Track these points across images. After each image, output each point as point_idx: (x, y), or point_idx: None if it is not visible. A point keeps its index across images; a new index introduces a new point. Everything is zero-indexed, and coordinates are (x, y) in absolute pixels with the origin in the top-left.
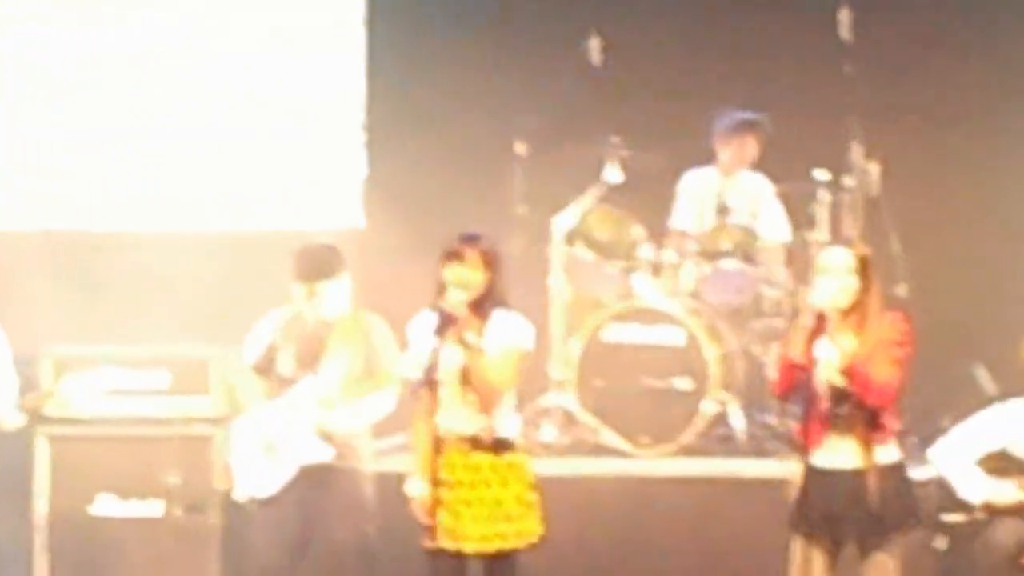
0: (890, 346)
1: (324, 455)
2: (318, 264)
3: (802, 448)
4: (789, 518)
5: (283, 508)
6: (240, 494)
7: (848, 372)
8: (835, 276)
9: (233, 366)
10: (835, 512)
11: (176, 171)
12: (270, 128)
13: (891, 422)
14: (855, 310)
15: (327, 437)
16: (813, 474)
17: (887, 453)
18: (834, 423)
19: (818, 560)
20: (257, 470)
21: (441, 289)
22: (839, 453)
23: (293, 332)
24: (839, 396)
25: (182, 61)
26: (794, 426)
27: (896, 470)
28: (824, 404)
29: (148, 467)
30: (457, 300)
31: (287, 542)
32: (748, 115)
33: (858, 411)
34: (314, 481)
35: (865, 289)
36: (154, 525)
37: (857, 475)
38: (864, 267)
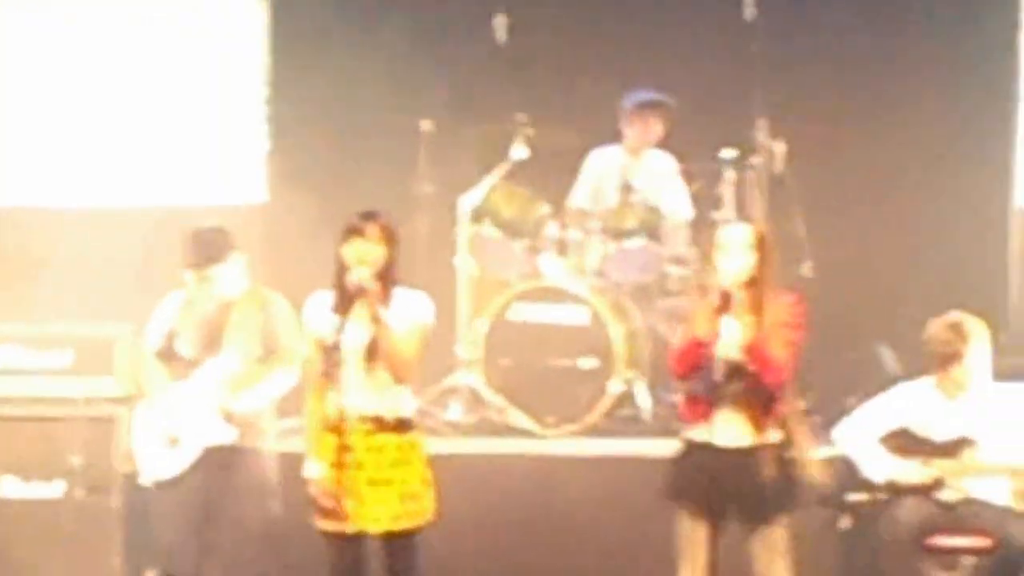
0: (784, 328)
1: (227, 436)
2: (207, 249)
3: (688, 422)
4: (665, 488)
5: (186, 490)
6: (143, 478)
7: (747, 349)
8: (734, 253)
9: (136, 349)
10: (719, 489)
11: (79, 147)
12: (171, 103)
13: (781, 404)
14: (752, 287)
15: (230, 418)
16: (699, 449)
17: (774, 433)
18: (726, 400)
19: (704, 534)
20: (160, 453)
21: (341, 266)
22: (729, 431)
23: (192, 315)
24: (736, 373)
25: (83, 36)
26: (680, 399)
27: (780, 449)
28: (720, 381)
29: (50, 448)
30: (365, 275)
31: (190, 524)
32: (654, 95)
33: (752, 389)
34: (217, 462)
35: (762, 266)
36: (56, 506)
37: (744, 453)
38: (762, 244)
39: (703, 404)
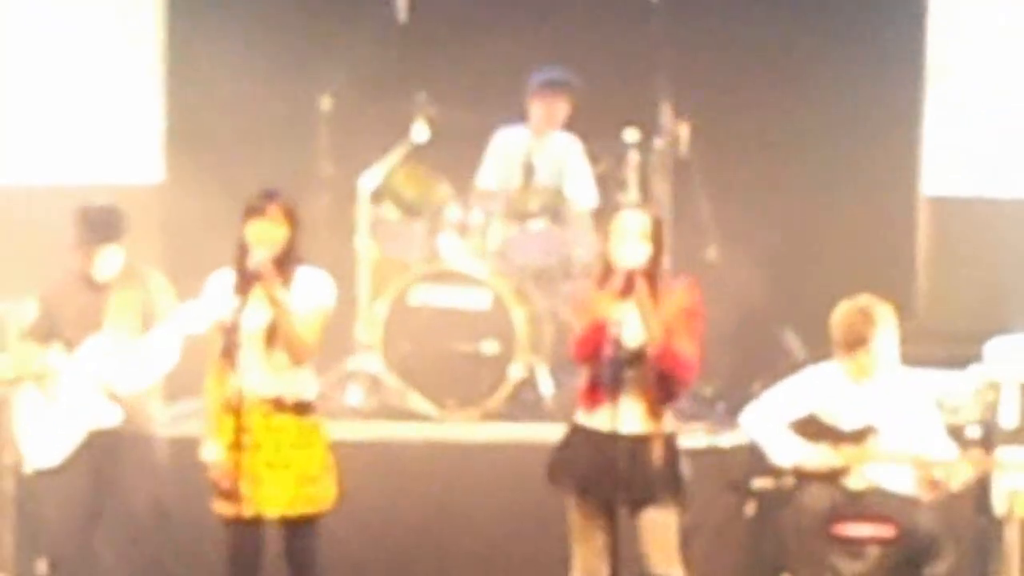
0: (684, 314)
1: (112, 419)
2: (102, 227)
3: (581, 405)
4: (549, 472)
5: (74, 477)
6: (26, 465)
7: (655, 347)
8: (631, 239)
9: (17, 331)
10: (612, 474)
11: None
12: (63, 78)
13: (681, 392)
14: (647, 276)
15: (115, 400)
16: (589, 434)
17: (668, 422)
18: (623, 386)
19: (597, 518)
20: (43, 439)
21: (242, 247)
22: (622, 417)
23: (69, 295)
24: (636, 360)
25: None
26: (576, 383)
27: (672, 439)
28: (619, 367)
29: None
30: (264, 256)
31: (80, 512)
32: (560, 75)
33: (651, 375)
34: (104, 448)
35: (657, 254)
36: None
37: (635, 439)
38: (657, 232)
39: (602, 390)
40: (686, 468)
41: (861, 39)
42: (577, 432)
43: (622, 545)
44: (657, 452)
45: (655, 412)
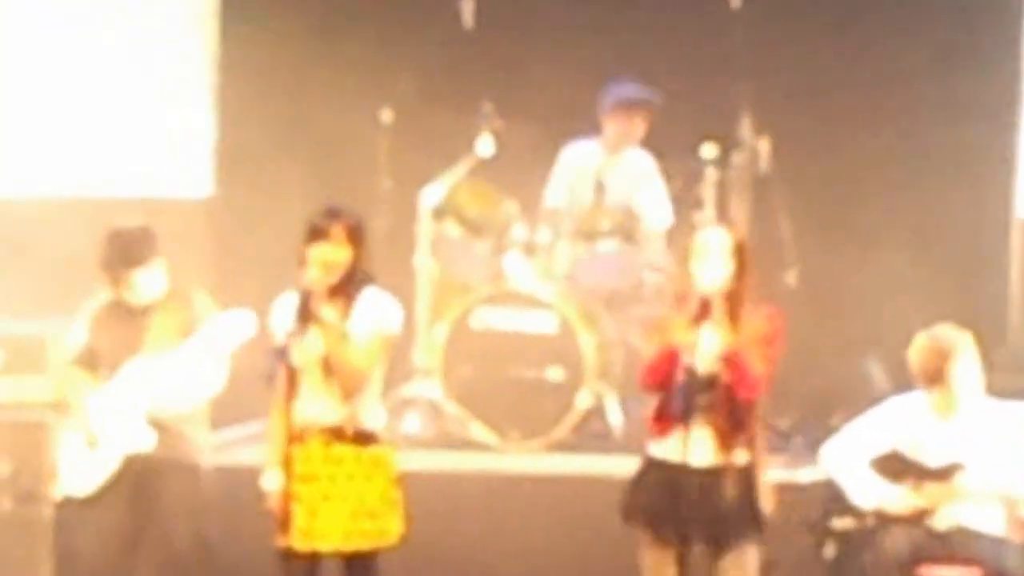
0: (761, 343)
1: (147, 444)
2: (129, 251)
3: (653, 437)
4: (623, 510)
5: (111, 506)
6: (63, 492)
7: (724, 361)
8: (711, 260)
9: (61, 354)
10: (680, 511)
11: (16, 134)
12: (112, 89)
13: (752, 423)
14: (729, 297)
15: (157, 427)
16: (661, 467)
17: (742, 455)
18: (695, 416)
19: (668, 557)
20: (79, 466)
21: (303, 268)
22: (696, 448)
23: (111, 319)
24: (708, 386)
25: (28, 22)
26: (646, 413)
27: (746, 472)
28: (691, 394)
29: None
30: (315, 279)
31: (117, 542)
32: (638, 92)
33: (724, 404)
34: (142, 476)
35: (740, 275)
36: None
37: (709, 473)
38: (740, 252)
39: (672, 419)
40: (767, 503)
41: (955, 53)
42: (649, 466)
43: None
44: (730, 486)
45: (727, 443)
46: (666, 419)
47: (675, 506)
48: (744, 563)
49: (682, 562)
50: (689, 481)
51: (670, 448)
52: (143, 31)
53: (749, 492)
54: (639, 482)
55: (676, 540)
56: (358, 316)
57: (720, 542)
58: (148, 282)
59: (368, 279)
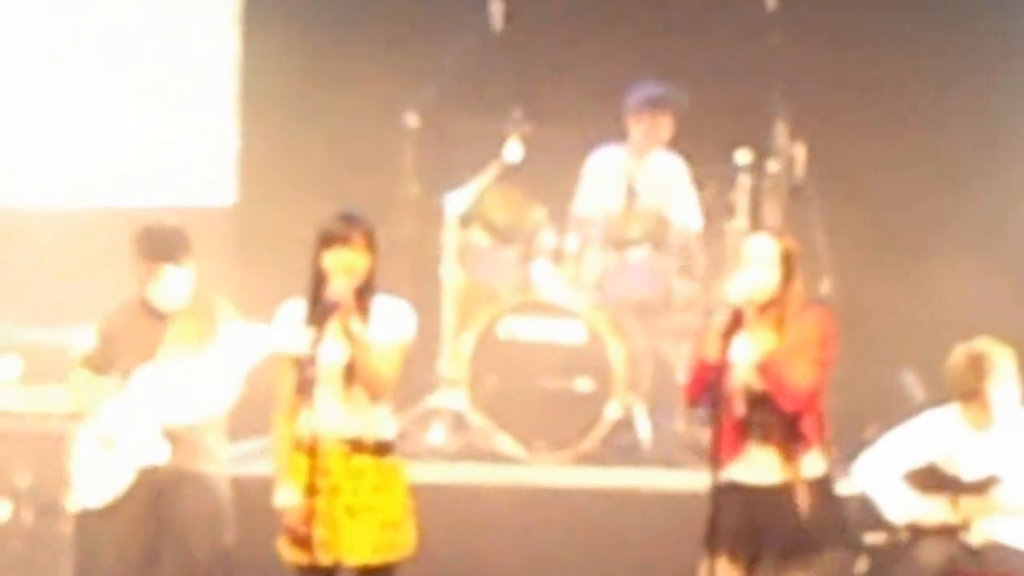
0: (811, 346)
1: (162, 455)
2: (164, 245)
3: (715, 460)
4: (705, 539)
5: (128, 517)
6: (79, 504)
7: (763, 373)
8: (757, 267)
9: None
10: (754, 530)
11: (38, 145)
12: (133, 97)
13: (812, 430)
14: (774, 306)
15: (173, 438)
16: (729, 489)
17: (811, 465)
18: (751, 431)
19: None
20: (95, 477)
21: (318, 275)
22: (758, 465)
23: (130, 324)
24: (756, 400)
25: (48, 31)
26: (706, 435)
27: (821, 484)
28: (740, 410)
29: None
30: (343, 287)
31: (135, 554)
32: (663, 91)
33: (776, 417)
34: (159, 487)
35: (786, 283)
36: (2, 530)
37: (779, 490)
38: (788, 259)
39: (731, 437)
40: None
41: (995, 54)
42: (716, 490)
43: None
44: (802, 500)
45: (789, 456)
46: (725, 439)
47: (744, 528)
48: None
49: None
50: (757, 500)
51: (736, 468)
52: (167, 41)
53: (826, 502)
54: (716, 508)
55: (745, 563)
56: (376, 324)
57: (791, 560)
58: (176, 282)
59: (376, 288)
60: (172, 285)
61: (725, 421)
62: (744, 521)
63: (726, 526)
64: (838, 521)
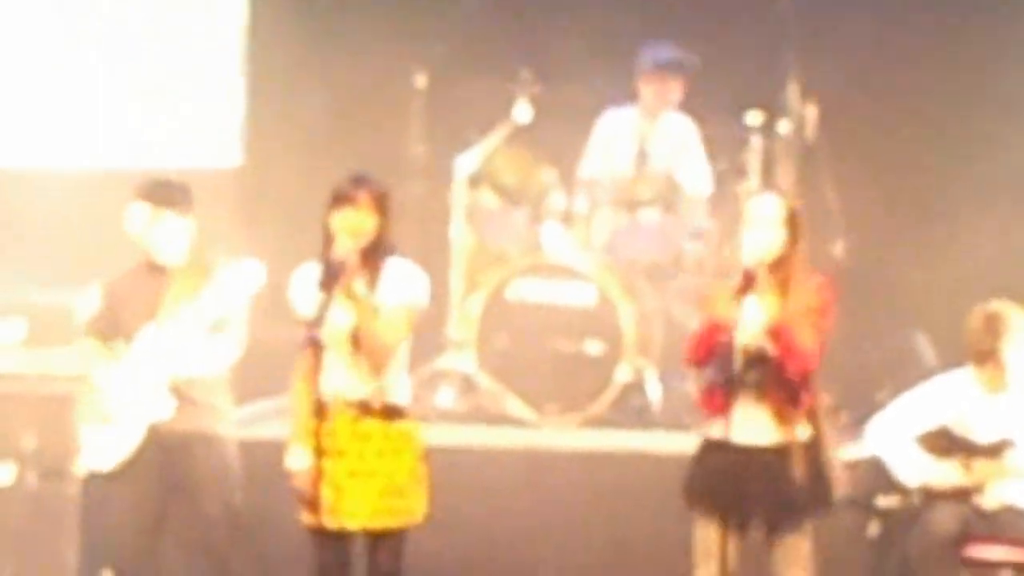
0: (812, 313)
1: (168, 412)
2: (167, 192)
3: (706, 416)
4: (684, 493)
5: (139, 480)
6: (86, 466)
7: (773, 335)
8: (762, 228)
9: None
10: (743, 490)
11: (44, 105)
12: (137, 57)
13: (807, 396)
14: (780, 267)
15: (181, 399)
16: (719, 448)
17: (803, 430)
18: (747, 392)
19: (723, 540)
20: (102, 439)
21: (328, 237)
22: (751, 426)
23: (133, 284)
24: (758, 361)
25: None
26: (697, 393)
27: (811, 448)
28: (740, 370)
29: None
30: (348, 249)
31: (144, 517)
32: (675, 53)
33: (775, 379)
34: (168, 449)
35: (792, 244)
36: (5, 494)
37: (770, 452)
38: (793, 220)
39: (722, 396)
40: (838, 480)
41: (1010, 12)
42: (705, 446)
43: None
44: (795, 463)
45: (785, 419)
46: (717, 398)
47: (733, 488)
48: (797, 550)
49: (735, 545)
50: (745, 461)
51: (723, 427)
52: (174, 3)
53: (815, 468)
54: (700, 465)
55: (733, 523)
56: (385, 288)
57: (779, 525)
58: (176, 232)
59: (392, 249)
60: (172, 234)
61: (722, 380)
62: (730, 481)
63: (707, 482)
64: (825, 487)
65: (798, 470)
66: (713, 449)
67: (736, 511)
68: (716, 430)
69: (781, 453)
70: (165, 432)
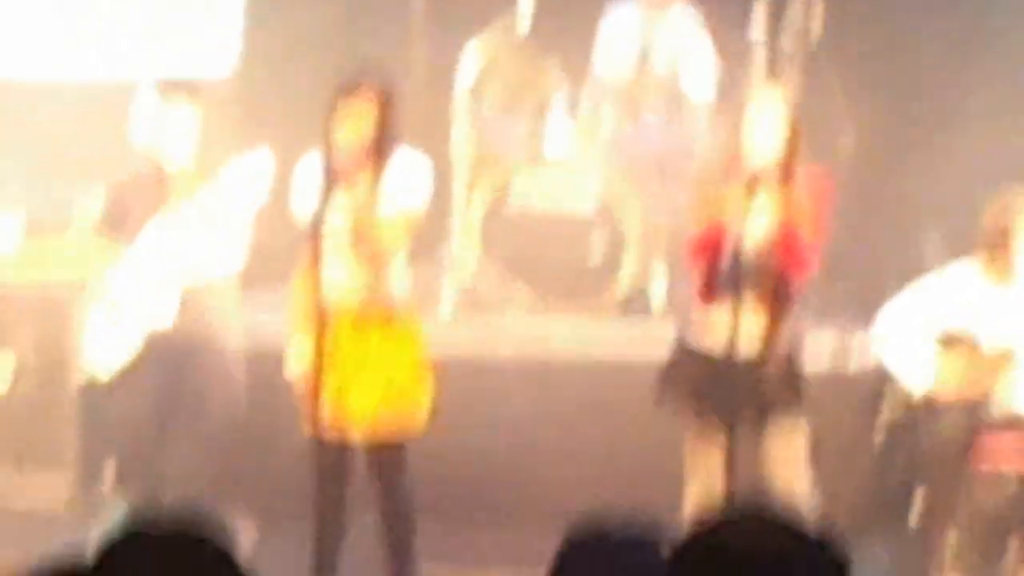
0: (812, 212)
1: (172, 315)
2: (171, 84)
3: (697, 313)
4: (657, 390)
5: (139, 386)
6: (85, 371)
7: (774, 236)
8: (766, 129)
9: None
10: (726, 392)
11: (37, 16)
12: None
13: (796, 295)
14: (783, 168)
15: (185, 304)
16: (701, 349)
17: (787, 332)
18: (743, 293)
19: (714, 439)
20: (105, 341)
21: (330, 131)
22: (737, 327)
23: (137, 185)
24: (757, 261)
25: None
26: (692, 290)
27: (794, 352)
28: (739, 269)
29: None
30: (351, 145)
31: (147, 423)
32: None
33: (772, 279)
34: (174, 355)
35: (794, 146)
36: (5, 394)
37: (756, 350)
38: (795, 122)
39: (719, 296)
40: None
41: None
42: (687, 347)
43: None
44: (776, 365)
45: (774, 321)
46: (711, 297)
47: (717, 389)
48: (791, 443)
49: (728, 441)
50: (732, 361)
51: (713, 329)
52: None
53: (791, 365)
54: (674, 365)
55: (721, 421)
56: (388, 183)
57: (766, 421)
58: (183, 127)
59: (396, 144)
60: (179, 129)
61: (716, 279)
62: (711, 381)
63: (688, 384)
64: (799, 388)
65: (776, 370)
66: (689, 348)
67: (716, 407)
68: (697, 329)
69: (765, 351)
70: (168, 337)
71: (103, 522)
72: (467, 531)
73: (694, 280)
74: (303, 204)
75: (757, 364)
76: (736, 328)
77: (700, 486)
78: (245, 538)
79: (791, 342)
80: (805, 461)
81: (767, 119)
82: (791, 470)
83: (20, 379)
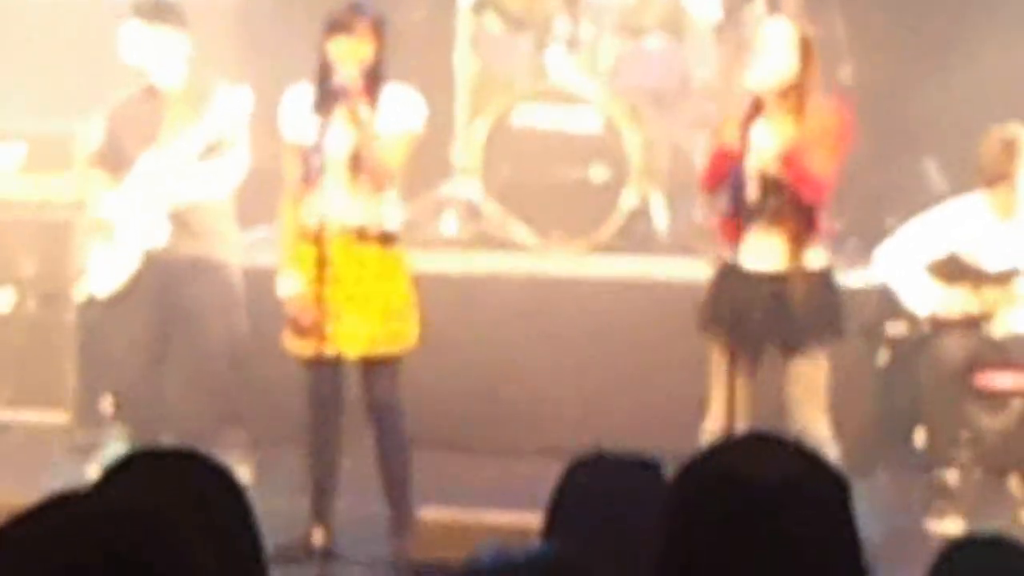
0: (830, 136)
1: (165, 236)
2: (158, 8)
3: (722, 243)
4: (699, 318)
5: (139, 306)
6: (83, 292)
7: (784, 161)
8: (774, 52)
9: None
10: (755, 316)
11: None
12: None
13: (824, 221)
14: (793, 92)
15: (183, 225)
16: (733, 273)
17: (816, 257)
18: (763, 218)
19: (737, 365)
20: (102, 264)
21: (324, 64)
22: (765, 252)
23: (132, 111)
24: (772, 188)
25: None
26: (715, 219)
27: (824, 276)
28: (754, 196)
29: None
30: (350, 74)
31: (145, 343)
32: None
33: (790, 206)
34: (172, 274)
35: (805, 69)
36: (5, 319)
37: (782, 278)
38: (805, 44)
39: (741, 222)
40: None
41: None
42: (720, 271)
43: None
44: (803, 289)
45: (797, 244)
46: (734, 224)
47: (750, 313)
48: (815, 368)
49: (752, 370)
50: (758, 286)
51: (742, 254)
52: None
53: (826, 295)
54: (713, 291)
55: (750, 346)
56: (384, 113)
57: (793, 346)
58: (172, 50)
59: (386, 76)
60: (168, 52)
61: (737, 206)
62: (744, 306)
63: (721, 307)
64: (835, 314)
65: (809, 297)
66: (727, 275)
67: (747, 337)
68: (729, 256)
69: (791, 279)
70: (164, 258)
71: (102, 458)
72: (469, 461)
73: (712, 208)
74: (292, 133)
75: (784, 286)
76: (757, 251)
77: (722, 409)
78: (244, 467)
79: (825, 271)
80: (824, 394)
81: (777, 44)
82: (812, 403)
83: (23, 298)
